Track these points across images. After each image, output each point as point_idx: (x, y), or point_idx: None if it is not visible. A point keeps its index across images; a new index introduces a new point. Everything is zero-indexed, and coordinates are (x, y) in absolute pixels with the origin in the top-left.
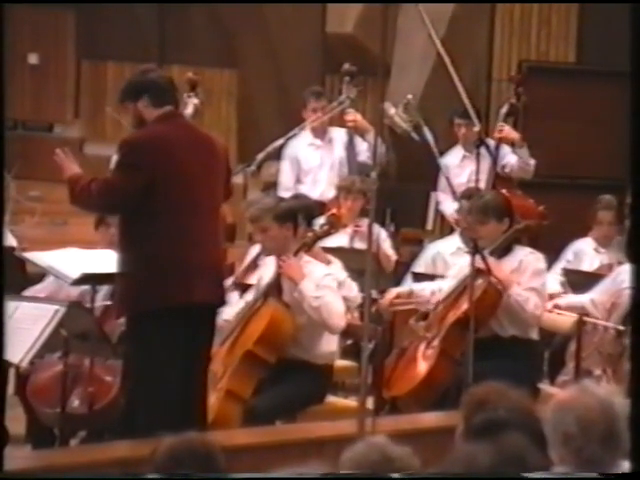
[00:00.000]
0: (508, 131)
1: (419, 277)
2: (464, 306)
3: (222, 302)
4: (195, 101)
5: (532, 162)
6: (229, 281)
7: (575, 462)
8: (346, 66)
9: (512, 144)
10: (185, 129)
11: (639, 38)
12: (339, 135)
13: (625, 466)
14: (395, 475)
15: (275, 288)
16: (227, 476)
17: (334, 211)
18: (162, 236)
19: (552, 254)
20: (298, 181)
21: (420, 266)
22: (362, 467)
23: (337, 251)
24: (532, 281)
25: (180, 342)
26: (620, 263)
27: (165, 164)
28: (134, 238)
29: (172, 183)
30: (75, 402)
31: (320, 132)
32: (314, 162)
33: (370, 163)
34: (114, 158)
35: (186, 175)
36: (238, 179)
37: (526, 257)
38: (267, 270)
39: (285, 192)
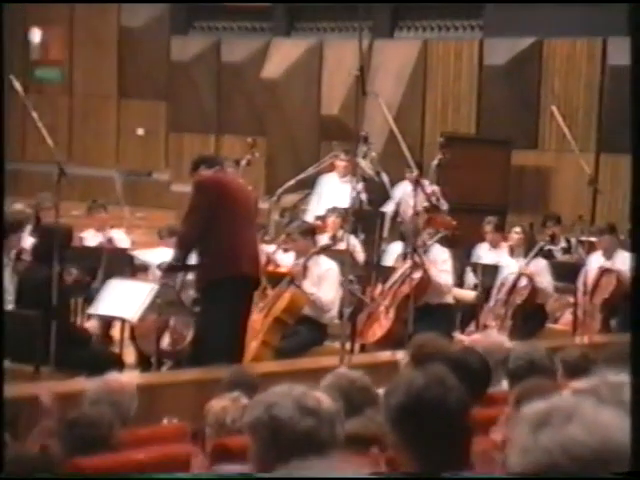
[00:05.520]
0: (433, 189)
1: (385, 269)
2: (408, 287)
3: (259, 276)
4: (249, 157)
5: (445, 207)
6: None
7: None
8: (363, 133)
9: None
10: (232, 179)
11: (639, 38)
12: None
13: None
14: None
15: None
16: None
17: (320, 224)
18: (223, 239)
19: (460, 251)
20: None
21: (387, 262)
22: (334, 389)
23: (327, 250)
24: (442, 265)
25: (234, 301)
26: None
27: (225, 200)
28: (206, 241)
29: (228, 212)
30: (165, 343)
31: (343, 176)
32: (336, 196)
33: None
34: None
35: (236, 207)
36: (265, 205)
37: (437, 250)
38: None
39: (311, 217)
